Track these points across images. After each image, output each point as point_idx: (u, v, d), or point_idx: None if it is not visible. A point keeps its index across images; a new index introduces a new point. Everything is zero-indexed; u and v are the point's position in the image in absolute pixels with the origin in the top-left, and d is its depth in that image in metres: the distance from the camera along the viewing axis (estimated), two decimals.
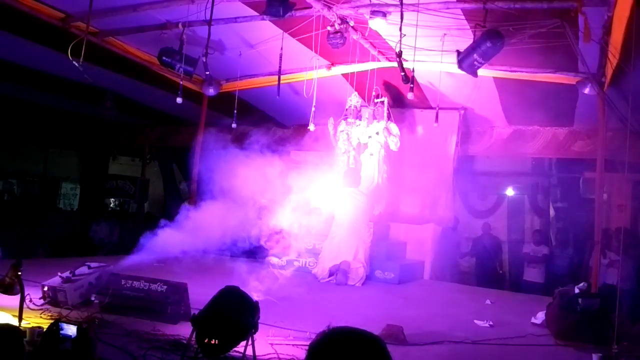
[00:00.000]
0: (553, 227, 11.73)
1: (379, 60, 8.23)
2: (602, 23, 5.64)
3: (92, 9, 6.04)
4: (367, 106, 9.28)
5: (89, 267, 5.41)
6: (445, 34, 6.77)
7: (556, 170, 11.75)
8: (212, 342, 3.48)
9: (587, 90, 7.36)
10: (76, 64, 6.17)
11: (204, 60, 6.54)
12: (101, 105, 10.23)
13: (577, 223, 10.14)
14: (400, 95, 9.46)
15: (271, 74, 8.10)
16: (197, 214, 6.59)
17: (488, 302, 7.36)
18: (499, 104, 9.13)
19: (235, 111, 8.44)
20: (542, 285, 9.26)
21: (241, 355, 3.66)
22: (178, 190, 14.43)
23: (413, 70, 6.43)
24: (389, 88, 9.40)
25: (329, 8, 6.58)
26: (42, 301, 5.07)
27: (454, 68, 6.62)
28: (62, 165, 16.01)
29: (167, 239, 6.17)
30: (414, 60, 6.51)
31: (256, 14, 6.95)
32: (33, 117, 11.92)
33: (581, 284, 5.83)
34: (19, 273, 4.16)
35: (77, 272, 5.25)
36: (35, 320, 4.41)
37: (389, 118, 9.11)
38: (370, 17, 6.32)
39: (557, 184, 11.94)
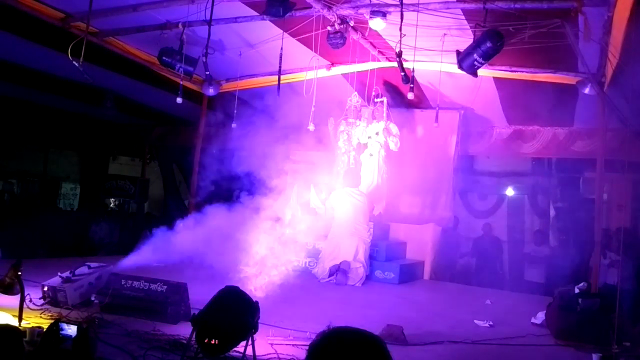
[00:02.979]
0: (553, 227, 11.71)
1: (379, 60, 8.24)
2: (602, 23, 5.63)
3: (92, 9, 6.03)
4: (367, 106, 9.27)
5: (89, 267, 5.41)
6: (445, 34, 6.76)
7: (556, 170, 11.73)
8: (212, 342, 3.48)
9: (587, 90, 7.36)
10: (76, 64, 6.16)
11: (204, 60, 6.55)
12: (101, 105, 10.23)
13: (578, 223, 10.12)
14: (400, 95, 9.46)
15: (271, 74, 8.09)
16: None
17: (488, 302, 7.36)
18: (499, 104, 9.13)
19: (235, 111, 8.44)
20: (543, 285, 9.25)
21: (241, 355, 3.66)
22: (178, 190, 14.41)
23: (413, 70, 6.43)
24: (389, 88, 9.39)
25: (329, 8, 6.58)
26: (42, 301, 5.07)
27: (454, 68, 6.62)
28: (62, 165, 15.99)
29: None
30: (414, 60, 6.51)
31: (256, 14, 6.95)
32: (33, 117, 11.89)
33: (581, 284, 5.84)
34: (19, 273, 4.17)
35: (77, 272, 5.25)
36: (35, 320, 4.41)
37: (388, 118, 9.11)
38: (370, 17, 6.32)
39: (557, 184, 11.91)
